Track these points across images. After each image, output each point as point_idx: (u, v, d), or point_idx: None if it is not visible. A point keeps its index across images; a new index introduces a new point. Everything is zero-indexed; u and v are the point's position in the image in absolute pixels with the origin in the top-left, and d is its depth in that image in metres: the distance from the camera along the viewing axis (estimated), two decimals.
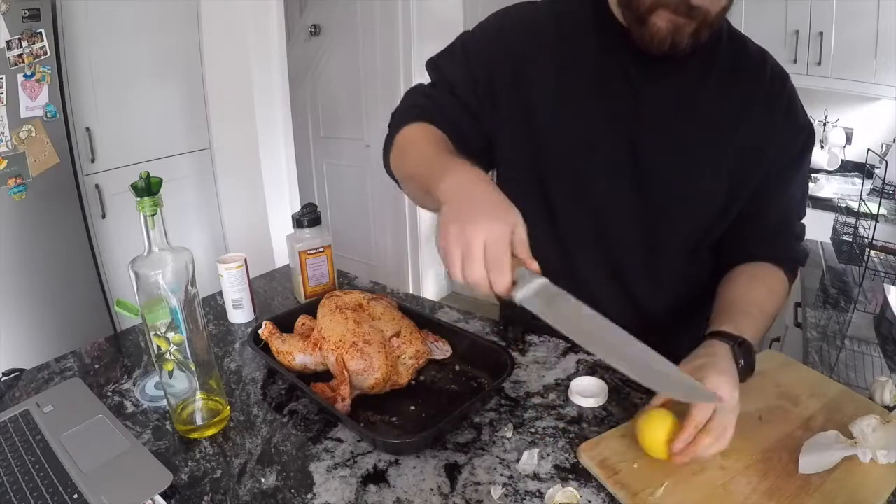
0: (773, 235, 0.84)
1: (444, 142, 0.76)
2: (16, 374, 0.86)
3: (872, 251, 1.67)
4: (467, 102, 0.83)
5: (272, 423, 0.75)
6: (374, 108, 2.95)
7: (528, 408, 0.77)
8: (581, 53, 0.79)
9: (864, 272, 1.61)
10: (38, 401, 0.76)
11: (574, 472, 0.65)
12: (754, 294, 0.78)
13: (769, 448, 0.65)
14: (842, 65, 2.11)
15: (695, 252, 0.87)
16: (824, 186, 2.22)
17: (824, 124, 2.38)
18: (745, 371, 0.67)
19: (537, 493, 0.62)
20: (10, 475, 0.63)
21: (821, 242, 1.97)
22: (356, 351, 0.77)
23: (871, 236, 1.64)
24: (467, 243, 0.55)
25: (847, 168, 2.39)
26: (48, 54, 1.82)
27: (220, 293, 1.04)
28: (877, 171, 2.14)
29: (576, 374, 0.84)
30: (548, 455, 0.68)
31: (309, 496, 0.62)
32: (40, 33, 1.79)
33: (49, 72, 1.83)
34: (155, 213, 0.65)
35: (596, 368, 0.85)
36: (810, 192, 1.75)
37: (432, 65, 0.88)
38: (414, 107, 0.84)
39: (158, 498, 0.60)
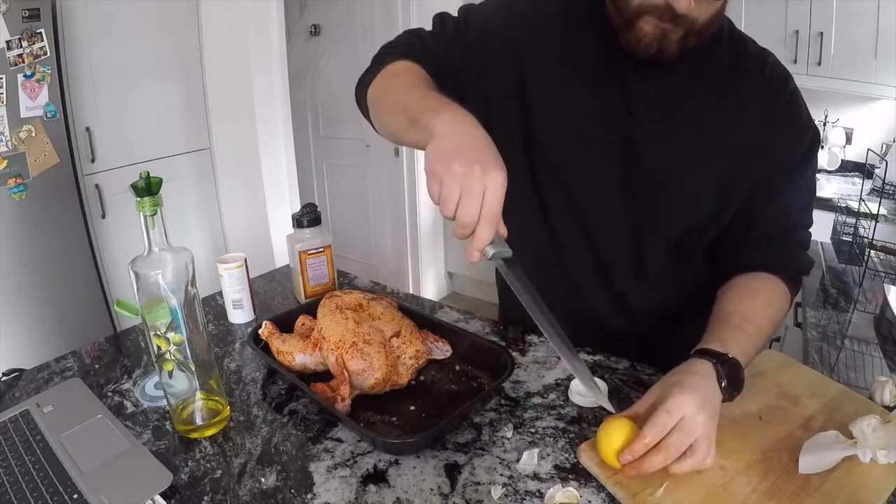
0: (774, 243, 0.81)
1: (434, 85, 0.75)
2: (16, 374, 0.86)
3: (872, 251, 1.67)
4: (456, 62, 0.82)
5: (272, 423, 0.75)
6: None
7: (528, 408, 0.77)
8: (580, 46, 0.79)
9: (864, 272, 1.61)
10: (38, 401, 0.76)
11: (574, 472, 0.65)
12: (749, 308, 0.75)
13: (769, 448, 0.65)
14: (842, 65, 2.11)
15: (685, 254, 0.86)
16: (824, 186, 2.22)
17: (824, 124, 2.38)
18: (730, 390, 0.65)
19: (537, 493, 0.62)
20: (10, 475, 0.63)
21: (821, 242, 1.98)
22: (356, 351, 0.77)
23: (871, 236, 1.64)
24: (471, 184, 0.55)
25: (847, 168, 2.39)
26: (48, 54, 1.82)
27: (220, 293, 1.04)
28: (877, 171, 2.14)
29: None
30: (548, 455, 0.68)
31: (309, 496, 0.62)
32: (40, 33, 1.79)
33: (49, 72, 1.84)
34: (155, 213, 0.65)
35: (596, 369, 0.85)
36: None
37: (438, 18, 0.87)
38: (408, 45, 0.84)
39: (158, 498, 0.60)
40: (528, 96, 0.81)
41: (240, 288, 1.01)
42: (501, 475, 0.65)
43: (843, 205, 1.98)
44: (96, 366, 0.89)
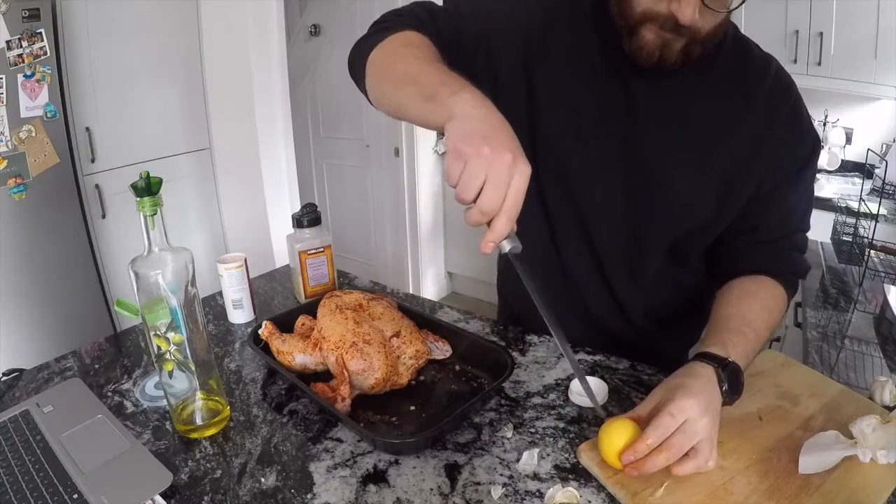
0: (772, 247, 0.81)
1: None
2: (16, 374, 0.86)
3: (872, 251, 1.67)
4: (467, 45, 0.80)
5: (272, 423, 0.75)
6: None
7: (528, 408, 0.77)
8: (586, 46, 0.79)
9: (864, 272, 1.61)
10: (38, 401, 0.76)
11: (574, 472, 0.65)
12: (747, 311, 0.75)
13: (769, 448, 0.65)
14: (842, 65, 2.11)
15: (682, 256, 0.86)
16: (824, 186, 2.22)
17: (824, 124, 2.38)
18: (731, 394, 0.65)
19: (537, 493, 0.62)
20: (10, 475, 0.63)
21: (821, 242, 1.97)
22: (356, 351, 0.77)
23: (871, 236, 1.64)
24: (500, 171, 0.53)
25: (847, 168, 2.39)
26: (48, 54, 1.82)
27: (220, 293, 1.04)
28: (877, 171, 2.14)
29: None
30: (548, 455, 0.68)
31: (309, 496, 0.62)
32: (40, 33, 1.79)
33: (49, 72, 1.84)
34: (155, 213, 0.65)
35: (596, 368, 0.85)
36: None
37: None
38: (418, 17, 0.79)
39: (158, 498, 0.60)
40: (534, 89, 0.80)
41: (240, 288, 1.01)
42: (501, 475, 0.65)
43: (843, 205, 1.98)
44: (96, 366, 0.89)
